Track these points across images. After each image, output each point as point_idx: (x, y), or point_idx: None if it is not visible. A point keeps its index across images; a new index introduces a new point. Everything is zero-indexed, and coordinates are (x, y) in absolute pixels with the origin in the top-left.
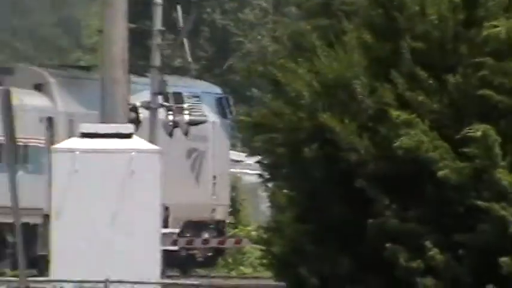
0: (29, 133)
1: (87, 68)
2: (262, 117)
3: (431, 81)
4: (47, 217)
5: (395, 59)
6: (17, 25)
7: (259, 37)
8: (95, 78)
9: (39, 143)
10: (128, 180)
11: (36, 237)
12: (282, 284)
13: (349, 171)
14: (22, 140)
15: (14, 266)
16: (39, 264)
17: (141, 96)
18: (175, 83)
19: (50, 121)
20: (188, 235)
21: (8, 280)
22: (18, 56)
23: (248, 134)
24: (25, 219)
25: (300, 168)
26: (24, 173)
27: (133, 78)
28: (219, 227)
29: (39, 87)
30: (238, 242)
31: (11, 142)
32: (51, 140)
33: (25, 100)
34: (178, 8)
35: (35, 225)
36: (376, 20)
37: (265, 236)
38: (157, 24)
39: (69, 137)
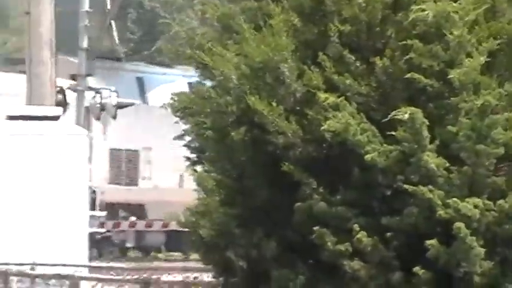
0: None
1: (118, 59)
2: (190, 101)
3: (358, 64)
4: None
5: (323, 42)
6: None
7: (187, 19)
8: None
9: None
10: (55, 163)
11: None
12: (209, 266)
13: (276, 155)
14: None
15: None
16: None
17: (173, 87)
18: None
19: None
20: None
21: None
22: None
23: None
24: None
25: (227, 151)
26: None
27: (164, 69)
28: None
29: (75, 77)
30: (165, 225)
31: None
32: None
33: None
34: None
35: None
36: (304, 3)
37: (192, 219)
38: (85, 6)
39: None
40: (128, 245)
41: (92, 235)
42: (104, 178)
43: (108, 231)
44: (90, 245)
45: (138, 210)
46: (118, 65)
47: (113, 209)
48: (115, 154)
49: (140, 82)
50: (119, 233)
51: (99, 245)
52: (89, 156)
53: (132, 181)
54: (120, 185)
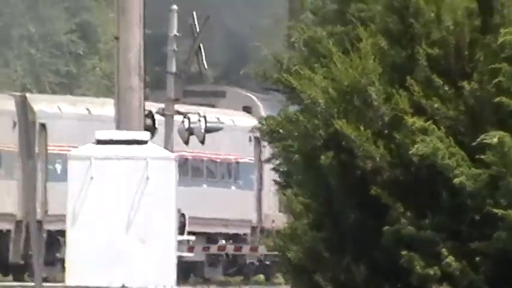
0: (239, 151)
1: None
2: (277, 124)
3: (447, 88)
4: None
5: (411, 66)
6: (34, 32)
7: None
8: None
9: (249, 160)
10: (143, 187)
11: None
12: None
13: (364, 178)
14: (234, 157)
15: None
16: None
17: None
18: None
19: (257, 140)
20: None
21: (23, 286)
22: (33, 63)
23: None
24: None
25: (316, 175)
26: (236, 188)
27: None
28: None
29: (248, 109)
30: (254, 249)
31: (28, 148)
32: (260, 157)
33: (236, 121)
34: (194, 14)
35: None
36: (392, 27)
37: (281, 242)
38: (173, 30)
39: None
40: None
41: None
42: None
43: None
44: (178, 268)
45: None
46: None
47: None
48: None
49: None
50: (209, 256)
51: (188, 269)
52: None
53: None
54: None
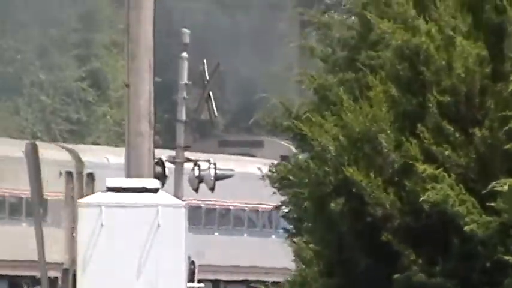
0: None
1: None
2: (287, 171)
3: (457, 135)
4: None
5: (422, 113)
6: (44, 79)
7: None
8: None
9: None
10: (153, 234)
11: None
12: None
13: (375, 225)
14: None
15: None
16: None
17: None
18: None
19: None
20: None
21: None
22: (44, 110)
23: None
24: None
25: (326, 222)
26: (276, 237)
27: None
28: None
29: (285, 159)
30: None
31: (37, 197)
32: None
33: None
34: (205, 62)
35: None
36: (402, 74)
37: None
38: (183, 77)
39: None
40: None
41: None
42: None
43: None
44: None
45: None
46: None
47: None
48: None
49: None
50: None
51: None
52: None
53: None
54: None
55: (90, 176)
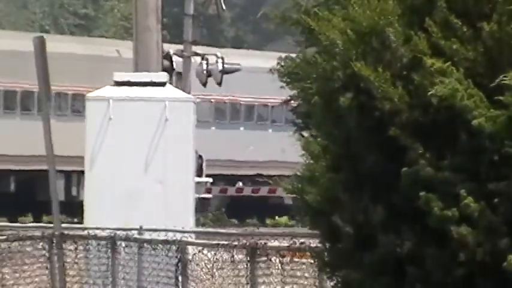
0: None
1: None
2: (295, 66)
3: (465, 29)
4: None
5: (430, 7)
6: None
7: None
8: None
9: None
10: (161, 128)
11: None
12: (315, 232)
13: (383, 120)
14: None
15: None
16: None
17: None
18: None
19: None
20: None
21: (42, 226)
22: (52, 5)
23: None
24: None
25: (334, 117)
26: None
27: None
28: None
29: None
30: (272, 191)
31: (45, 91)
32: None
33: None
34: None
35: None
36: None
37: (299, 185)
38: None
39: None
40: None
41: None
42: None
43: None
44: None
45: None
46: None
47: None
48: None
49: None
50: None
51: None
52: None
53: None
54: None
55: (179, 74)
